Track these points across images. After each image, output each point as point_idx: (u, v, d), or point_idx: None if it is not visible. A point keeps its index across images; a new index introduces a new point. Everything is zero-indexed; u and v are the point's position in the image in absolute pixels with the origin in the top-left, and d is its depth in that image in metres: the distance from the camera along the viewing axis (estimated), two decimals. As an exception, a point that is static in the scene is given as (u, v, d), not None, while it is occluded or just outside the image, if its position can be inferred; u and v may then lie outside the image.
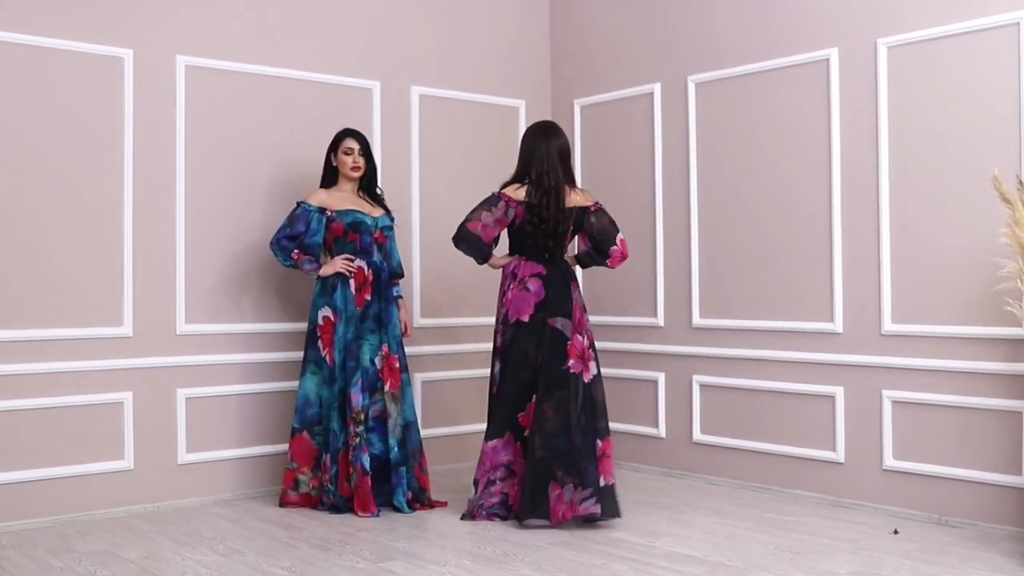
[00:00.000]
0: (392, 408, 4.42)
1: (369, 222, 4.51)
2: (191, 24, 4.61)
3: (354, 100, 5.08)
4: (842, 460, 4.45)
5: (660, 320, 5.23)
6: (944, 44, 4.11)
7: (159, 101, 4.51)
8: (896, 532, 3.94)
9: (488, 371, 5.33)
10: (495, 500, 4.22)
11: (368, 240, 4.49)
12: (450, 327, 5.41)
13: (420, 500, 4.45)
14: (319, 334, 4.43)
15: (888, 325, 4.28)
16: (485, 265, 4.41)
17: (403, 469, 4.41)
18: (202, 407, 4.58)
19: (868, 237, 4.36)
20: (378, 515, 4.29)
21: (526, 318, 4.19)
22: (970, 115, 4.04)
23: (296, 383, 4.56)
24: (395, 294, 4.57)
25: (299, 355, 4.60)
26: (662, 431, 5.22)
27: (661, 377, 5.22)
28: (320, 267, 4.44)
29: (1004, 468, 3.93)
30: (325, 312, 4.42)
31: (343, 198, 4.54)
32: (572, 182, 4.33)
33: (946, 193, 4.11)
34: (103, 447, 4.33)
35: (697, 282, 5.05)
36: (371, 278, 4.46)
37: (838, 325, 4.46)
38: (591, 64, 5.62)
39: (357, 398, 4.34)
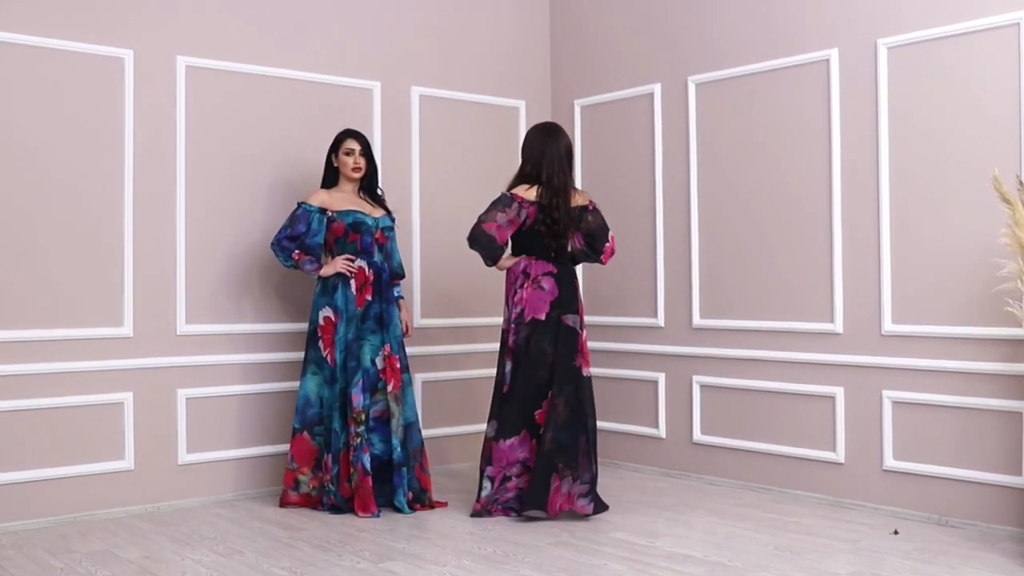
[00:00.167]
0: (395, 408, 4.42)
1: (370, 222, 4.51)
2: (191, 24, 4.61)
3: (354, 100, 5.09)
4: (842, 460, 4.45)
5: (660, 320, 5.23)
6: (944, 44, 4.11)
7: (159, 101, 4.52)
8: (896, 532, 3.94)
9: (487, 371, 5.40)
10: (510, 495, 4.27)
11: (369, 240, 4.49)
12: (450, 327, 5.41)
13: (421, 500, 4.45)
14: (320, 334, 4.43)
15: (888, 325, 4.28)
16: (493, 267, 4.43)
17: (405, 469, 4.41)
18: (202, 407, 4.59)
19: (868, 237, 4.36)
20: (378, 515, 4.29)
21: (542, 316, 4.26)
22: (970, 115, 4.04)
23: (297, 383, 4.57)
24: (396, 294, 4.57)
25: (300, 355, 4.61)
26: (662, 431, 5.22)
27: (661, 377, 5.22)
28: (321, 267, 4.44)
29: (1004, 468, 3.93)
30: (326, 312, 4.42)
31: (344, 199, 4.54)
32: (573, 182, 4.44)
33: (946, 193, 4.11)
34: (103, 447, 4.33)
35: (697, 282, 5.06)
36: (372, 278, 4.47)
37: (838, 325, 4.46)
38: (591, 64, 5.62)
39: (358, 398, 4.34)
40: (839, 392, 4.45)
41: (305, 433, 4.45)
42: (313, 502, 4.45)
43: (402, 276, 4.69)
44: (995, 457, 3.96)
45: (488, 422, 4.40)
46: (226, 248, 4.67)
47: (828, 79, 4.49)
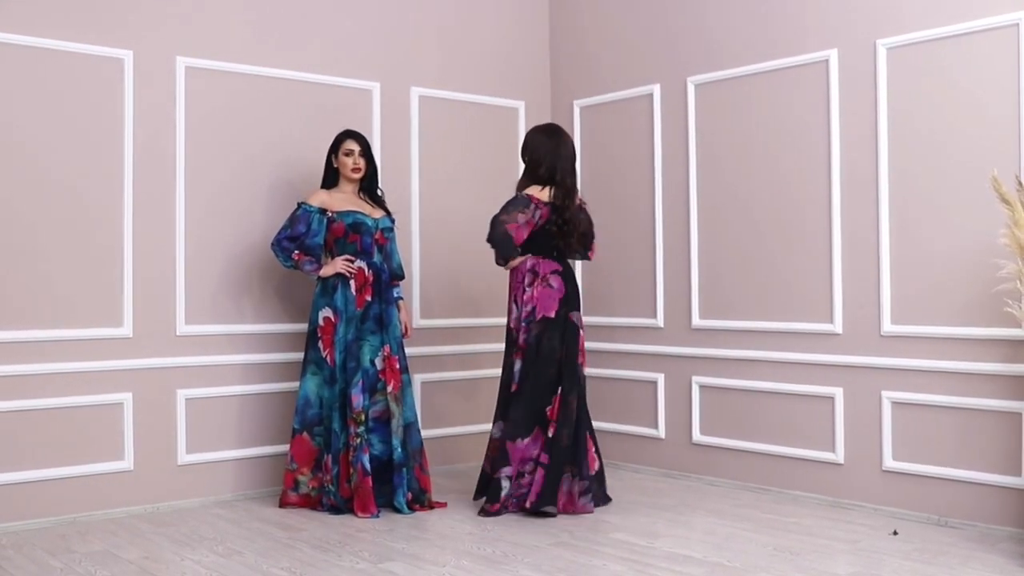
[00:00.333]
0: (395, 409, 4.42)
1: (370, 223, 4.51)
2: (191, 25, 4.61)
3: (354, 101, 5.09)
4: (841, 461, 4.45)
5: (660, 321, 5.23)
6: (943, 45, 4.11)
7: (159, 102, 4.52)
8: (896, 533, 3.95)
9: (486, 371, 5.41)
10: (523, 492, 4.30)
11: (368, 241, 4.50)
12: (450, 328, 5.41)
13: (420, 501, 4.45)
14: (319, 335, 4.43)
15: (887, 326, 4.28)
16: (503, 266, 4.47)
17: (405, 470, 4.41)
18: (202, 408, 4.59)
19: (867, 238, 4.36)
20: (378, 516, 4.29)
21: (552, 314, 4.34)
22: (969, 116, 4.04)
23: (296, 384, 4.57)
24: (395, 295, 4.57)
25: (299, 356, 4.61)
26: (662, 432, 5.22)
27: (661, 378, 5.22)
28: (320, 268, 4.44)
29: (1003, 469, 3.93)
30: (325, 313, 4.42)
31: (344, 199, 4.54)
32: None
33: (946, 194, 4.11)
34: (103, 448, 4.33)
35: (697, 283, 5.06)
36: (371, 279, 4.47)
37: (837, 326, 4.47)
38: (591, 65, 5.63)
39: (358, 399, 4.34)
40: (838, 393, 4.45)
41: (305, 433, 4.45)
42: (313, 502, 4.45)
43: (402, 277, 4.69)
44: (994, 458, 3.96)
45: (495, 422, 4.41)
46: (226, 248, 4.68)
47: (827, 80, 4.49)
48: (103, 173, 4.36)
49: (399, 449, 4.41)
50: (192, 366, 4.56)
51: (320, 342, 4.43)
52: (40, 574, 3.49)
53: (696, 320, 5.05)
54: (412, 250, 5.25)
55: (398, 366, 4.48)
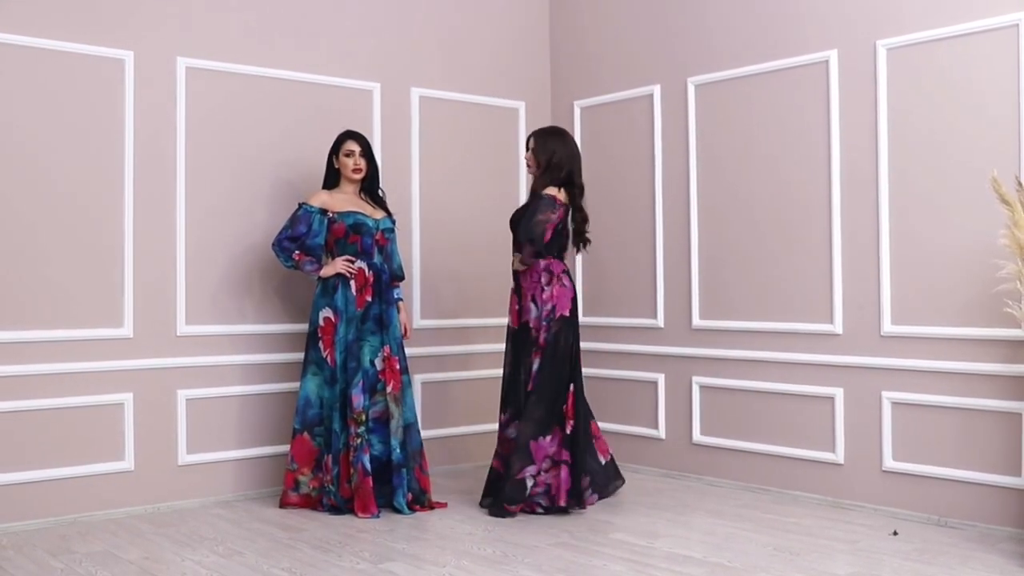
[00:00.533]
0: (394, 409, 4.43)
1: (370, 224, 4.52)
2: (192, 26, 4.61)
3: (354, 102, 5.09)
4: (841, 461, 4.45)
5: (660, 321, 5.23)
6: (943, 45, 4.12)
7: (160, 103, 4.52)
8: (895, 533, 3.95)
9: (486, 371, 5.41)
10: (539, 490, 4.33)
11: (369, 242, 4.50)
12: (450, 328, 5.42)
13: (420, 501, 4.46)
14: (320, 335, 4.43)
15: (887, 326, 4.29)
16: (522, 267, 4.48)
17: (404, 470, 4.42)
18: (203, 408, 4.59)
19: (867, 238, 4.36)
20: (378, 516, 4.29)
21: (567, 312, 4.42)
22: (969, 116, 4.04)
23: (297, 384, 4.57)
24: (395, 296, 4.58)
25: (300, 356, 4.61)
26: (662, 432, 5.23)
27: (661, 378, 5.22)
28: (321, 268, 4.45)
29: (1003, 469, 3.93)
30: (326, 313, 4.43)
31: (345, 200, 4.55)
32: None
33: (945, 194, 4.11)
34: (104, 448, 4.33)
35: (697, 283, 5.06)
36: (372, 280, 4.47)
37: (838, 326, 4.47)
38: (591, 66, 5.63)
39: (358, 399, 4.34)
40: (838, 393, 4.46)
41: (305, 434, 4.46)
42: (313, 503, 4.45)
43: (402, 278, 4.69)
44: (994, 458, 3.96)
45: (509, 422, 4.40)
46: (226, 249, 4.68)
47: (827, 80, 4.50)
48: (104, 173, 4.37)
49: (398, 450, 4.41)
50: (192, 366, 4.57)
51: (320, 342, 4.43)
52: (41, 574, 3.49)
53: (696, 320, 5.06)
54: (412, 250, 5.25)
55: (398, 367, 4.48)
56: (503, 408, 4.50)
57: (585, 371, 4.60)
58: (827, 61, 4.50)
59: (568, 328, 4.40)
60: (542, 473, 4.31)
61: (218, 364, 4.63)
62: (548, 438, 4.31)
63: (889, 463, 4.28)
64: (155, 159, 4.50)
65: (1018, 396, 3.88)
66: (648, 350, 5.28)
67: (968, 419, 4.04)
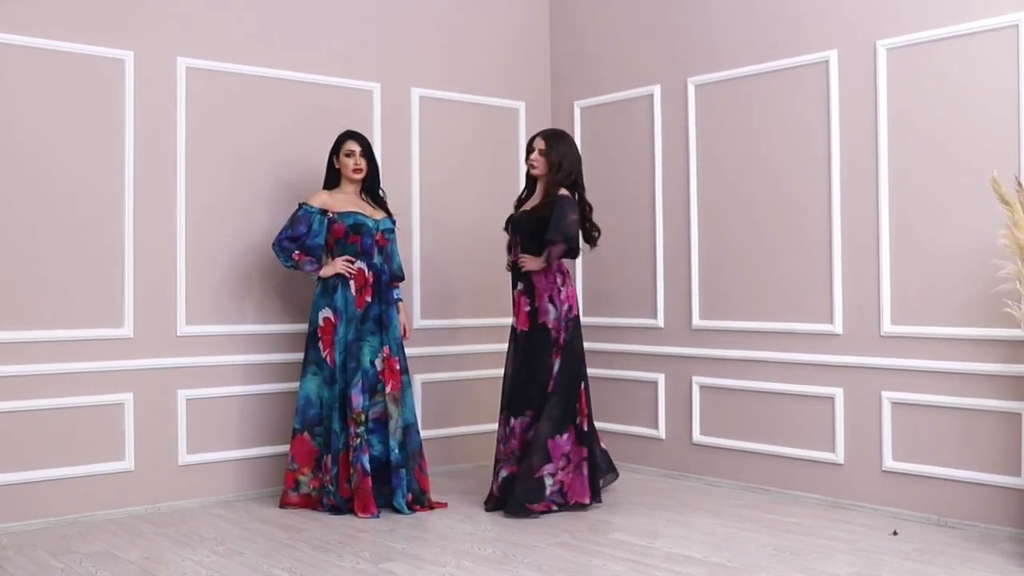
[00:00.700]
0: (393, 410, 4.43)
1: (370, 224, 4.52)
2: (192, 26, 4.61)
3: (354, 102, 5.09)
4: (841, 461, 4.45)
5: (660, 321, 5.23)
6: (943, 46, 4.12)
7: (160, 103, 4.52)
8: (895, 533, 3.95)
9: (486, 371, 5.42)
10: (555, 488, 4.35)
11: (369, 242, 4.50)
12: (450, 328, 5.42)
13: (420, 502, 4.46)
14: (320, 335, 4.44)
15: (887, 326, 4.29)
16: (545, 267, 4.47)
17: (403, 471, 4.42)
18: (203, 408, 4.59)
19: (867, 238, 4.37)
20: (378, 516, 4.29)
21: (576, 311, 4.52)
22: (969, 116, 4.04)
23: (297, 384, 4.57)
24: (395, 296, 4.58)
25: (300, 356, 4.61)
26: (662, 432, 5.23)
27: (661, 378, 5.22)
28: (321, 268, 4.45)
29: (1003, 469, 3.94)
30: (325, 313, 4.43)
31: (345, 200, 4.55)
32: None
33: (945, 194, 4.11)
34: (104, 448, 4.33)
35: (697, 283, 5.06)
36: (371, 280, 4.47)
37: (837, 326, 4.47)
38: (591, 66, 5.63)
39: (357, 399, 4.34)
40: (838, 393, 4.46)
41: (305, 433, 4.46)
42: (313, 503, 4.45)
43: (402, 278, 4.69)
44: (994, 458, 3.96)
45: (530, 423, 4.38)
46: (226, 249, 4.68)
47: (827, 80, 4.50)
48: (104, 173, 4.37)
49: (397, 450, 4.41)
50: (193, 366, 4.57)
51: (320, 342, 4.43)
52: (41, 574, 3.49)
53: (696, 320, 5.06)
54: (412, 250, 5.25)
55: (398, 367, 4.48)
56: (514, 411, 4.41)
57: (586, 373, 4.57)
58: (827, 61, 4.50)
59: (578, 326, 4.50)
60: (559, 472, 4.33)
61: (218, 364, 4.64)
62: (564, 436, 4.35)
63: (889, 463, 4.28)
64: (155, 159, 4.50)
65: (1018, 396, 3.88)
66: (648, 350, 5.28)
67: (968, 419, 4.04)
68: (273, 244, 4.48)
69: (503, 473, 4.41)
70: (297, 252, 4.44)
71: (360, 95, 5.12)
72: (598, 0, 5.59)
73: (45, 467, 4.19)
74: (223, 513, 4.40)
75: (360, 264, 4.47)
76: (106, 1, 4.39)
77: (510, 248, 4.59)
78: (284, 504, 4.47)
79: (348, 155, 4.53)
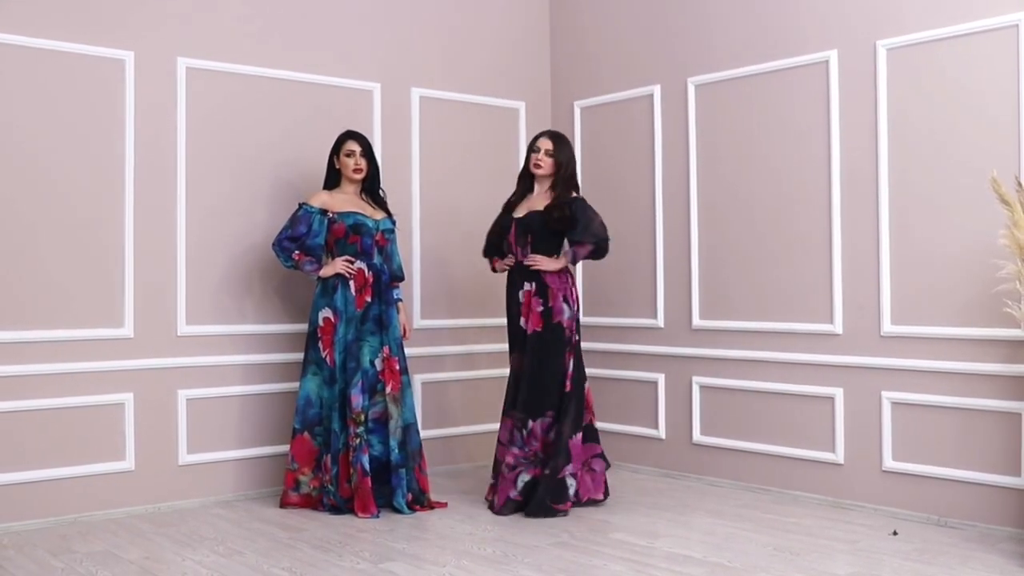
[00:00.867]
0: (393, 410, 4.43)
1: (370, 224, 4.52)
2: (192, 26, 4.62)
3: (355, 102, 5.09)
4: (841, 461, 4.46)
5: (660, 321, 5.23)
6: (943, 46, 4.12)
7: (160, 103, 4.52)
8: (895, 533, 3.95)
9: (486, 371, 5.43)
10: (575, 488, 4.40)
11: (369, 242, 4.50)
12: (450, 328, 5.42)
13: (420, 502, 4.46)
14: (319, 335, 4.44)
15: (887, 326, 4.29)
16: (572, 265, 4.57)
17: (403, 471, 4.42)
18: (203, 408, 4.59)
19: (867, 238, 4.37)
20: (378, 516, 4.30)
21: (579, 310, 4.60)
22: (969, 116, 4.04)
23: (297, 384, 4.57)
24: (395, 296, 4.58)
25: (300, 356, 4.61)
26: (662, 432, 5.23)
27: (661, 378, 5.22)
28: (320, 268, 4.45)
29: (1003, 469, 3.94)
30: (325, 313, 4.43)
31: (345, 200, 4.55)
32: None
33: (945, 194, 4.11)
34: (104, 448, 4.34)
35: (697, 283, 5.06)
36: (371, 280, 4.47)
37: (837, 326, 4.47)
38: (591, 66, 5.63)
39: (357, 399, 4.35)
40: (838, 393, 4.46)
41: (305, 433, 4.46)
42: (313, 503, 4.45)
43: (401, 278, 4.69)
44: (994, 458, 3.96)
45: (551, 424, 4.37)
46: (226, 249, 4.68)
47: (827, 80, 4.50)
48: (104, 173, 4.37)
49: (396, 450, 4.41)
50: (193, 366, 4.57)
51: (320, 342, 4.43)
52: (41, 574, 3.50)
53: (696, 320, 5.06)
54: (412, 250, 5.25)
55: (398, 367, 4.48)
56: (532, 413, 4.36)
57: (586, 371, 4.61)
58: (827, 61, 4.50)
59: (579, 324, 4.56)
60: (577, 472, 4.38)
61: (218, 364, 4.64)
62: (579, 435, 4.41)
63: (889, 463, 4.28)
64: (155, 159, 4.50)
65: (1018, 396, 3.88)
66: (648, 350, 5.28)
67: (968, 419, 4.04)
68: (273, 244, 4.48)
69: (525, 477, 4.35)
70: (297, 252, 4.44)
71: (360, 95, 5.12)
72: (598, 0, 5.59)
73: (45, 467, 4.19)
74: (223, 513, 4.41)
75: (360, 264, 4.47)
76: (106, 1, 4.39)
77: (503, 248, 4.57)
78: (284, 504, 4.48)
79: (348, 155, 4.53)
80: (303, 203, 4.50)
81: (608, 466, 4.67)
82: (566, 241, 4.50)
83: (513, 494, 4.34)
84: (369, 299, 4.46)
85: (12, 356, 4.13)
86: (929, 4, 4.16)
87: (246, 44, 4.77)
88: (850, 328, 4.43)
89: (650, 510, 4.42)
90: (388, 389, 4.42)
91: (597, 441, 4.54)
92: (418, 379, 5.20)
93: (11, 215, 4.15)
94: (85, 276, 4.31)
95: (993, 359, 3.96)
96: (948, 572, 3.44)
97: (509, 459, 4.38)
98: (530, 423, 4.37)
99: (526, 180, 4.60)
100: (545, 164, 4.49)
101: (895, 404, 4.26)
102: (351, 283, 4.44)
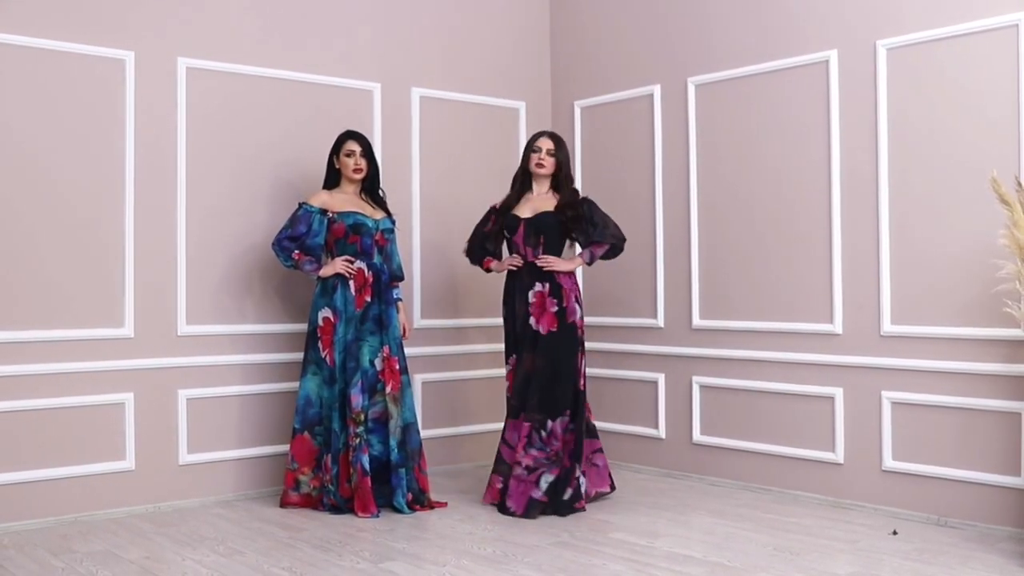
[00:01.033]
0: (393, 409, 4.43)
1: (370, 224, 4.52)
2: (192, 26, 4.62)
3: (355, 102, 5.09)
4: (841, 461, 4.46)
5: (660, 321, 5.23)
6: (943, 46, 4.12)
7: (160, 103, 4.52)
8: (895, 533, 3.95)
9: (486, 371, 5.43)
10: (587, 484, 4.46)
11: (369, 242, 4.50)
12: (450, 328, 5.42)
13: (420, 501, 4.46)
14: (319, 335, 4.44)
15: (887, 326, 4.29)
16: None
17: (403, 470, 4.42)
18: (203, 408, 4.59)
19: (867, 238, 4.37)
20: (378, 516, 4.30)
21: None
22: (969, 116, 4.04)
23: (296, 384, 4.57)
24: (395, 296, 4.58)
25: (300, 356, 4.61)
26: (662, 432, 5.23)
27: (661, 378, 5.22)
28: (320, 268, 4.45)
29: (1003, 469, 3.94)
30: (325, 313, 4.43)
31: (345, 200, 4.55)
32: None
33: (945, 194, 4.11)
34: (104, 448, 4.34)
35: (697, 283, 5.06)
36: (371, 280, 4.47)
37: (837, 326, 4.47)
38: (591, 66, 5.63)
39: (357, 399, 4.35)
40: (838, 393, 4.46)
41: (305, 433, 4.46)
42: (313, 502, 4.45)
43: (401, 278, 4.69)
44: (994, 458, 3.96)
45: (568, 424, 4.38)
46: (226, 249, 4.68)
47: (827, 80, 4.50)
48: (104, 173, 4.37)
49: (396, 450, 4.41)
50: (193, 366, 4.57)
51: (320, 342, 4.43)
52: (42, 574, 3.50)
53: (696, 320, 5.06)
54: (412, 250, 5.25)
55: (397, 367, 4.48)
56: (551, 413, 4.34)
57: (586, 371, 4.64)
58: (827, 61, 4.50)
59: None
60: (585, 469, 4.44)
61: (218, 364, 4.64)
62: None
63: (889, 463, 4.28)
64: (155, 159, 4.50)
65: (1018, 396, 3.89)
66: (648, 350, 5.29)
67: (968, 419, 4.04)
68: (273, 244, 4.48)
69: (548, 477, 4.33)
70: (297, 252, 4.44)
71: (360, 95, 5.12)
72: (598, 0, 5.59)
73: (46, 467, 4.19)
74: (223, 513, 4.41)
75: (360, 264, 4.48)
76: (106, 1, 4.39)
77: (491, 248, 4.61)
78: (284, 504, 4.48)
79: (348, 155, 4.53)
80: (303, 203, 4.50)
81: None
82: (575, 241, 4.56)
83: (537, 495, 4.30)
84: (369, 299, 4.46)
85: (13, 356, 4.13)
86: (929, 4, 4.16)
87: (246, 44, 4.77)
88: (850, 328, 4.43)
89: (650, 510, 4.42)
90: (388, 389, 4.43)
91: (596, 436, 4.60)
92: (418, 379, 5.20)
93: (11, 215, 4.15)
94: (85, 276, 4.31)
95: (993, 359, 3.96)
96: (948, 572, 3.44)
97: (527, 461, 4.33)
98: (549, 423, 4.36)
99: (524, 180, 4.60)
100: (548, 163, 4.50)
101: (895, 404, 4.26)
102: (351, 283, 4.44)
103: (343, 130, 4.65)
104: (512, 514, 4.27)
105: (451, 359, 5.41)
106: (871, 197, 4.35)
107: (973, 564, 3.52)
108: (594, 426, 4.61)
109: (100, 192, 4.36)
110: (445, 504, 4.51)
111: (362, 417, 4.35)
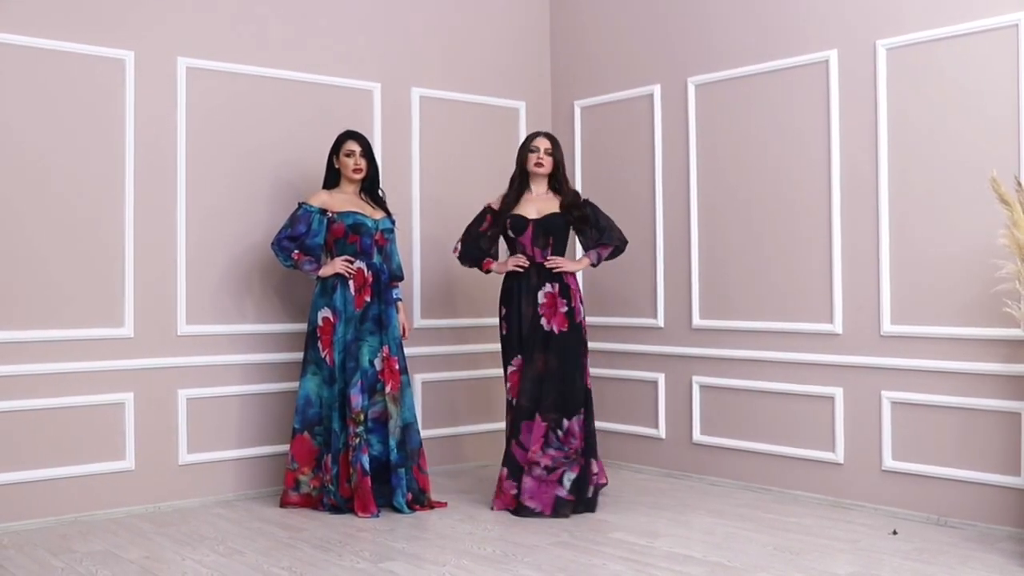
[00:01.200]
0: (392, 409, 4.43)
1: (370, 224, 4.52)
2: (192, 26, 4.62)
3: (355, 102, 5.09)
4: (841, 461, 4.46)
5: (660, 321, 5.23)
6: (943, 45, 4.12)
7: (160, 103, 4.52)
8: (895, 533, 3.95)
9: (486, 371, 5.43)
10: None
11: (368, 242, 4.50)
12: (450, 328, 5.42)
13: (420, 501, 4.46)
14: (319, 335, 4.44)
15: (887, 326, 4.29)
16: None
17: (402, 470, 4.42)
18: (203, 408, 4.59)
19: (867, 238, 4.37)
20: (378, 516, 4.30)
21: None
22: (969, 116, 4.04)
23: (296, 384, 4.57)
24: (395, 296, 4.58)
25: (299, 356, 4.61)
26: (662, 432, 5.23)
27: (661, 378, 5.22)
28: (320, 268, 4.45)
29: (1003, 469, 3.94)
30: (325, 313, 4.43)
31: (345, 200, 4.55)
32: None
33: (945, 194, 4.11)
34: (104, 448, 4.34)
35: (697, 283, 5.06)
36: (371, 280, 4.47)
37: (837, 326, 4.47)
38: (591, 65, 5.63)
39: (356, 399, 4.35)
40: (838, 392, 4.46)
41: (305, 433, 4.46)
42: (313, 502, 4.45)
43: (401, 278, 4.69)
44: (994, 457, 3.96)
45: (580, 423, 4.39)
46: (226, 249, 4.68)
47: (827, 80, 4.50)
48: (104, 173, 4.37)
49: (396, 450, 4.41)
50: (193, 366, 4.57)
51: (319, 342, 4.43)
52: (41, 574, 3.50)
53: (696, 320, 5.06)
54: (412, 250, 5.25)
55: (397, 367, 4.48)
56: (567, 412, 4.33)
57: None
58: (827, 61, 4.50)
59: None
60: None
61: (218, 364, 4.64)
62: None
63: (889, 463, 4.28)
64: (155, 159, 4.50)
65: (1018, 396, 3.89)
66: (648, 350, 5.28)
67: (968, 419, 4.04)
68: (272, 243, 4.48)
69: (571, 475, 4.32)
70: (296, 252, 4.44)
71: (360, 95, 5.12)
72: (598, 0, 5.59)
73: (45, 467, 4.19)
74: (223, 512, 4.41)
75: (359, 264, 4.47)
76: (106, 1, 4.39)
77: (486, 248, 4.61)
78: (284, 504, 4.48)
79: (348, 155, 4.53)
80: (302, 202, 4.50)
81: None
82: (579, 243, 4.61)
83: (563, 494, 4.30)
84: (368, 299, 4.46)
85: (12, 356, 4.13)
86: (929, 4, 4.16)
87: (246, 44, 4.77)
88: (850, 328, 4.43)
89: (650, 510, 4.42)
90: (387, 389, 4.43)
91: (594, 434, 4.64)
92: (418, 379, 5.20)
93: (11, 215, 4.15)
94: (85, 276, 4.31)
95: (993, 359, 3.96)
96: (948, 572, 3.44)
97: (545, 461, 4.31)
98: (565, 422, 4.35)
99: (522, 180, 4.59)
100: (547, 163, 4.52)
101: (895, 404, 4.26)
102: (350, 283, 4.44)
103: (343, 130, 4.65)
104: (539, 514, 4.24)
105: (451, 359, 5.41)
106: (871, 197, 4.35)
107: (973, 564, 3.52)
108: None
109: (100, 192, 4.36)
110: (445, 504, 4.51)
111: (362, 417, 4.35)
